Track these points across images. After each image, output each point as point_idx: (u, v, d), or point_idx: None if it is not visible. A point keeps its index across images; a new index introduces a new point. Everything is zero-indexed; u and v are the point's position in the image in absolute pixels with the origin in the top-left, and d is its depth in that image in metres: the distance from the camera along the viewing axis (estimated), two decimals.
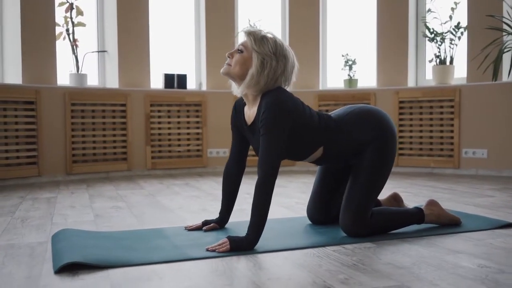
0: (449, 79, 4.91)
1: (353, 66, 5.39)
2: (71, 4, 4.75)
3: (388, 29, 5.24)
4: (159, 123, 4.99)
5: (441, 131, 4.84)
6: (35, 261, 1.84)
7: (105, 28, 5.09)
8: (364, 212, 2.13)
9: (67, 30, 4.76)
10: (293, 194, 3.51)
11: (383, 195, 2.71)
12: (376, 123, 2.19)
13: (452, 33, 4.85)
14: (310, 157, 2.20)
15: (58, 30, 4.73)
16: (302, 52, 5.47)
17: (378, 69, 5.30)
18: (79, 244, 1.98)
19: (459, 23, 4.82)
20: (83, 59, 4.81)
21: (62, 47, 4.81)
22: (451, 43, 4.90)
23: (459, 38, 4.86)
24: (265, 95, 2.04)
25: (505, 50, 4.22)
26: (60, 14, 4.75)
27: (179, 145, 5.08)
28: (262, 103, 2.03)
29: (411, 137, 4.99)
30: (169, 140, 5.05)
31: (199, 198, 3.37)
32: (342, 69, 5.45)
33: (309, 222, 2.48)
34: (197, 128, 5.14)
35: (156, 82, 5.23)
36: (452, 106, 4.77)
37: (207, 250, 1.93)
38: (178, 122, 5.07)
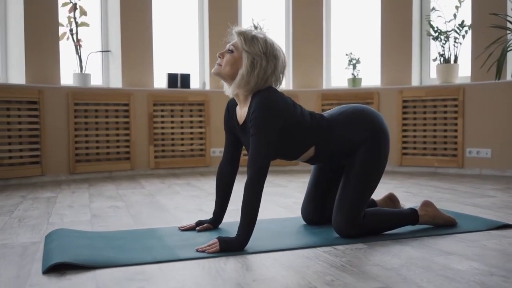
0: (454, 78, 4.87)
1: (357, 65, 5.37)
2: (75, 5, 4.77)
3: (392, 28, 5.20)
4: (162, 122, 5.01)
5: (445, 131, 4.80)
6: (25, 261, 1.86)
7: (109, 28, 5.11)
8: (357, 212, 2.12)
9: (71, 30, 4.78)
10: (292, 194, 3.50)
11: (379, 195, 2.70)
12: (369, 123, 2.17)
13: (456, 31, 4.81)
14: (302, 157, 2.19)
15: (61, 30, 4.76)
16: (306, 51, 5.47)
17: (382, 68, 5.27)
18: (70, 244, 1.99)
19: (463, 21, 4.77)
20: (87, 59, 4.84)
21: (66, 47, 4.84)
22: (455, 41, 4.85)
23: (463, 36, 4.82)
24: (256, 95, 2.04)
25: (509, 49, 4.17)
26: (63, 14, 4.78)
27: (182, 145, 5.09)
28: (252, 103, 2.03)
29: (414, 136, 4.96)
30: (172, 139, 5.06)
31: (198, 198, 3.37)
32: (346, 68, 5.43)
33: (304, 222, 2.47)
34: (200, 127, 5.15)
35: (160, 82, 5.25)
36: (456, 105, 4.73)
37: (197, 250, 1.93)
38: (181, 122, 5.08)
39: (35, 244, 2.11)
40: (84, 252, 1.89)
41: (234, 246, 1.93)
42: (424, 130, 4.90)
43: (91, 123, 4.68)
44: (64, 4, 4.77)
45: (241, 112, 2.15)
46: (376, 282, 1.57)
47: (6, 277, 1.67)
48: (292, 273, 1.69)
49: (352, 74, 5.38)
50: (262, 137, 1.97)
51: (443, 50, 4.89)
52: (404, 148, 5.00)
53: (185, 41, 5.44)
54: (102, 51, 5.07)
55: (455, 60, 4.89)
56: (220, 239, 1.94)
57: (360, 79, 5.35)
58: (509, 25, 4.33)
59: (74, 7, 4.77)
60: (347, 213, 2.11)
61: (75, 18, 4.79)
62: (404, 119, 4.98)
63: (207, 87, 5.34)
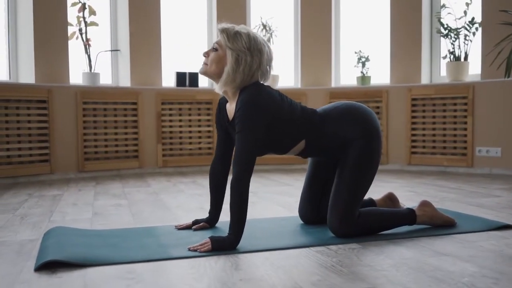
0: (464, 75, 4.80)
1: (366, 63, 5.33)
2: (84, 4, 4.82)
3: (402, 25, 5.15)
4: (171, 121, 5.04)
5: (455, 129, 4.74)
6: (20, 259, 1.88)
7: (118, 27, 5.15)
8: (351, 211, 2.10)
9: (80, 29, 4.83)
10: (296, 193, 3.48)
11: (380, 194, 2.68)
12: (361, 120, 2.16)
13: (466, 28, 4.74)
14: (292, 151, 2.19)
15: (71, 30, 4.81)
16: (315, 49, 5.45)
17: (392, 66, 5.22)
18: (66, 242, 2.01)
19: (473, 18, 4.71)
20: (96, 58, 4.89)
21: (75, 46, 4.89)
22: (465, 39, 4.79)
23: (474, 34, 4.75)
24: (242, 91, 2.05)
25: None
26: (73, 14, 4.83)
27: (190, 143, 5.11)
28: (238, 100, 2.03)
29: (424, 135, 4.90)
30: (180, 138, 5.08)
31: (200, 196, 3.38)
32: (355, 66, 5.39)
33: (301, 222, 2.46)
34: (208, 126, 5.16)
35: (168, 81, 5.27)
36: (465, 104, 4.67)
37: (189, 249, 1.94)
38: (189, 120, 5.11)
39: (33, 241, 2.14)
40: (78, 250, 1.91)
41: (225, 245, 1.93)
42: (433, 129, 4.85)
43: (99, 122, 4.72)
44: (73, 4, 4.81)
45: (231, 108, 2.16)
46: (363, 283, 1.56)
47: None
48: (281, 272, 1.69)
49: (361, 72, 5.34)
50: (247, 134, 1.97)
51: (453, 48, 4.83)
52: (413, 147, 4.95)
53: (194, 39, 5.46)
54: (111, 50, 5.11)
55: (465, 58, 4.82)
56: (212, 239, 1.95)
57: (369, 77, 5.31)
58: None
59: (83, 7, 4.82)
60: (340, 212, 2.10)
61: (84, 17, 4.83)
62: (413, 117, 4.93)
63: (215, 86, 5.33)
